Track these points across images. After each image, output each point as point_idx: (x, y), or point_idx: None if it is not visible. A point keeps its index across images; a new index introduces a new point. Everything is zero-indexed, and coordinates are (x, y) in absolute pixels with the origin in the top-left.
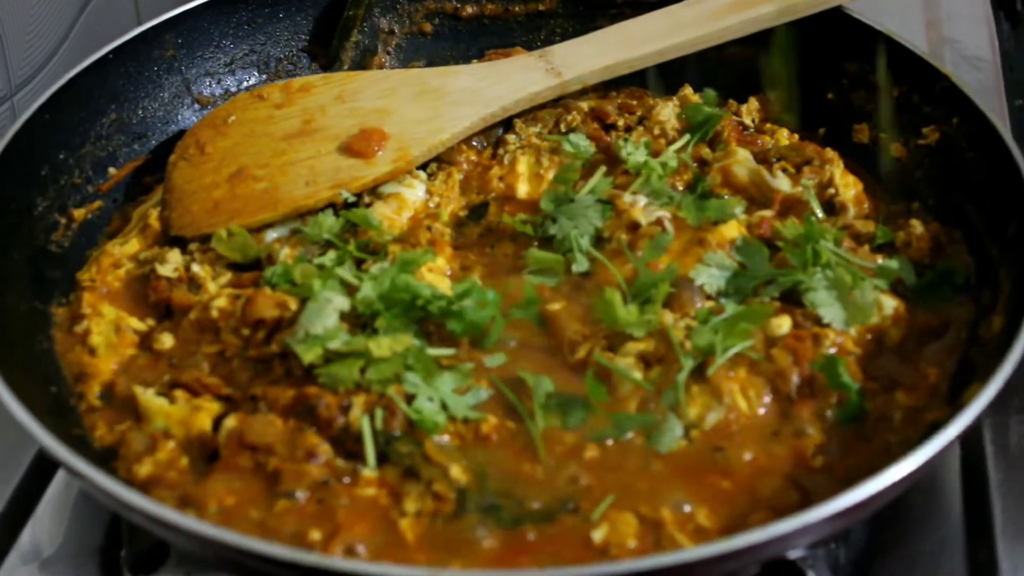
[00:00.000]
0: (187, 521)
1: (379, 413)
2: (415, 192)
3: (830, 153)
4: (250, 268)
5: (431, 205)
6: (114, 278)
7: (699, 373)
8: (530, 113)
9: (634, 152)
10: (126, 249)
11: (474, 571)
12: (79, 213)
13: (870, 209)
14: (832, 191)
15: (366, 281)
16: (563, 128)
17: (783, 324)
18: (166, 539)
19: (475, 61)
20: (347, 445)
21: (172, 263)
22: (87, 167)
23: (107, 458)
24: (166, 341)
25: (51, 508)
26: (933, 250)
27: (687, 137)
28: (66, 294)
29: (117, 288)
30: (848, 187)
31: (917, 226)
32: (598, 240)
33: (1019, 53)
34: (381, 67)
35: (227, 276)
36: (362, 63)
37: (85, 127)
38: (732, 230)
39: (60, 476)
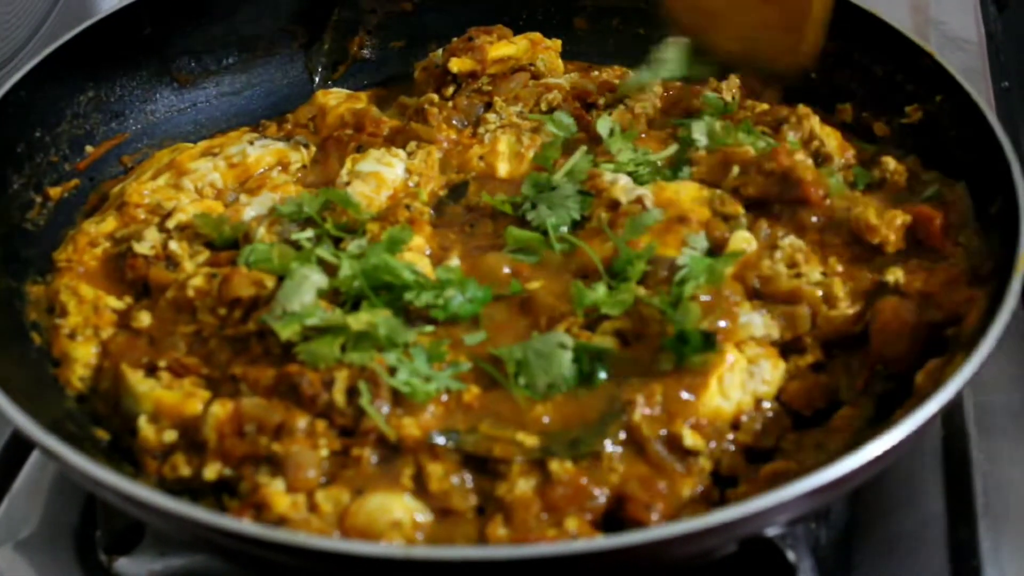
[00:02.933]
0: (159, 499)
1: (364, 387)
2: (394, 171)
3: (804, 109)
4: (228, 247)
5: (410, 184)
6: (90, 257)
7: None
8: (511, 92)
9: (610, 142)
10: (102, 227)
11: (450, 547)
12: (55, 191)
13: (854, 157)
14: (817, 143)
15: (344, 260)
16: (544, 107)
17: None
18: (140, 518)
19: (455, 39)
20: (335, 420)
21: (149, 241)
22: (64, 145)
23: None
24: (144, 319)
25: (26, 489)
26: (911, 181)
27: (674, 147)
28: (41, 273)
29: (94, 267)
30: (829, 136)
31: (890, 161)
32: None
33: (1005, 36)
34: (362, 46)
35: (205, 254)
36: (343, 42)
37: (62, 105)
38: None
39: (35, 457)
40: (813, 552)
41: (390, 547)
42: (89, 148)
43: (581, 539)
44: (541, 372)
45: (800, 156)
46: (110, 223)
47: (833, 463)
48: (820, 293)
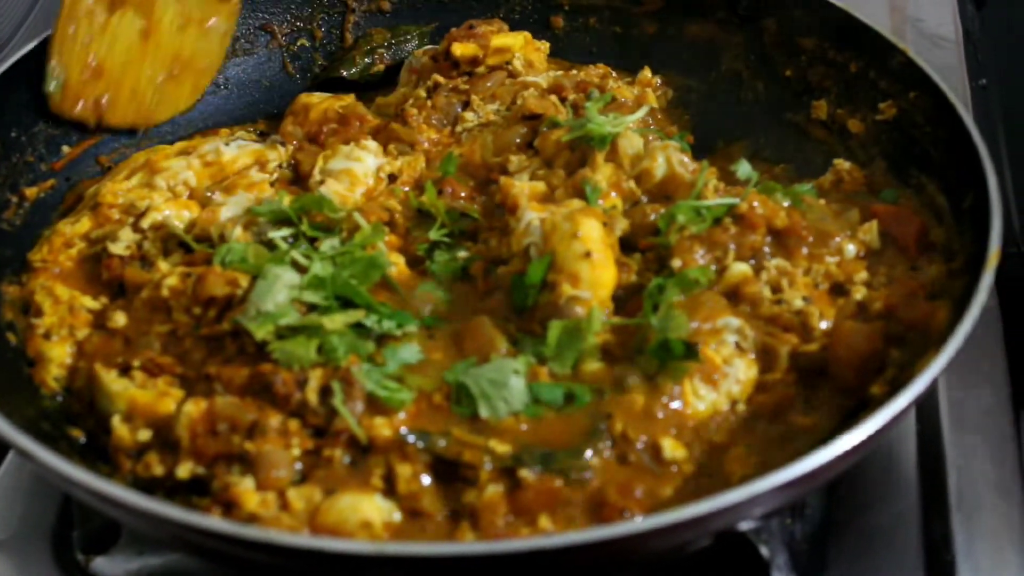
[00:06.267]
0: (132, 497)
1: (337, 387)
2: (364, 164)
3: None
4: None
5: (382, 175)
6: (66, 258)
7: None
8: (488, 91)
9: None
10: (77, 228)
11: (418, 543)
12: (31, 192)
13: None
14: None
15: (316, 261)
16: (520, 103)
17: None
18: (115, 517)
19: (453, 29)
20: (308, 420)
21: (124, 241)
22: (40, 145)
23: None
24: (119, 319)
25: (3, 490)
26: (867, 178)
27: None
28: (17, 273)
29: (69, 268)
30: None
31: (842, 163)
32: None
33: (983, 34)
34: (342, 46)
35: (179, 253)
36: (323, 41)
37: (38, 105)
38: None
39: (11, 458)
40: (788, 547)
41: (362, 543)
42: (66, 148)
43: (554, 535)
44: (500, 401)
45: (759, 205)
46: (85, 223)
47: (806, 457)
48: (799, 322)
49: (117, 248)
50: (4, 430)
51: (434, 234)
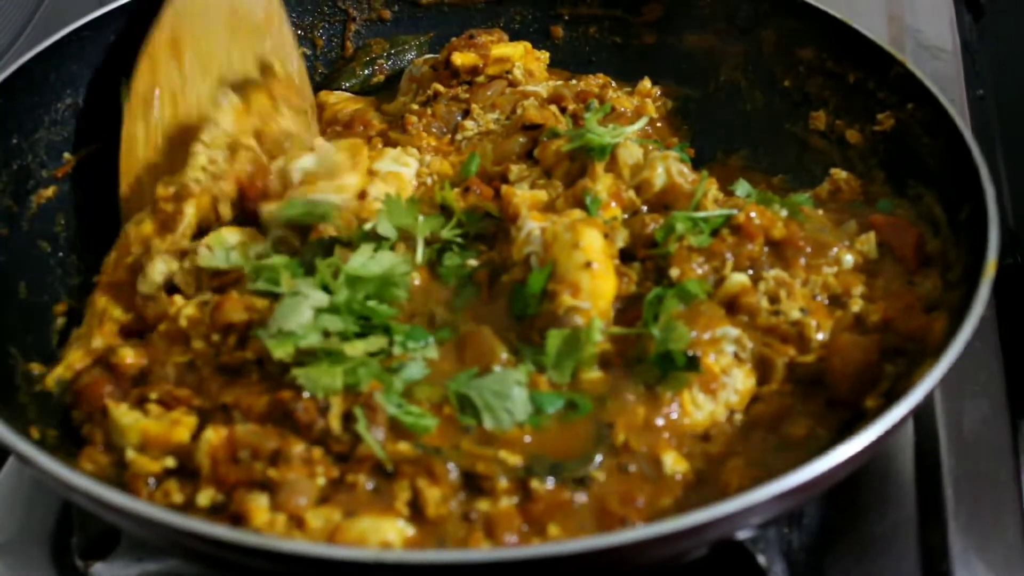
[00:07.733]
0: (131, 503)
1: (360, 413)
2: (410, 171)
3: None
4: None
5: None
6: (122, 268)
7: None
8: (488, 100)
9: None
10: (141, 230)
11: (422, 551)
12: (34, 198)
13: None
14: None
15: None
16: (520, 113)
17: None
18: (113, 523)
19: (454, 39)
20: (331, 447)
21: (151, 278)
22: (41, 152)
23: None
24: (127, 356)
25: (2, 494)
26: (864, 187)
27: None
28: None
29: (121, 277)
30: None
31: (839, 172)
32: None
33: (980, 44)
34: (343, 55)
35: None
36: (324, 49)
37: (39, 112)
38: None
39: (10, 463)
40: (785, 556)
41: (361, 550)
42: (67, 155)
43: (550, 544)
44: (504, 412)
45: (757, 216)
46: (147, 226)
47: (803, 466)
48: (796, 333)
49: (144, 286)
50: (4, 435)
51: (447, 232)
